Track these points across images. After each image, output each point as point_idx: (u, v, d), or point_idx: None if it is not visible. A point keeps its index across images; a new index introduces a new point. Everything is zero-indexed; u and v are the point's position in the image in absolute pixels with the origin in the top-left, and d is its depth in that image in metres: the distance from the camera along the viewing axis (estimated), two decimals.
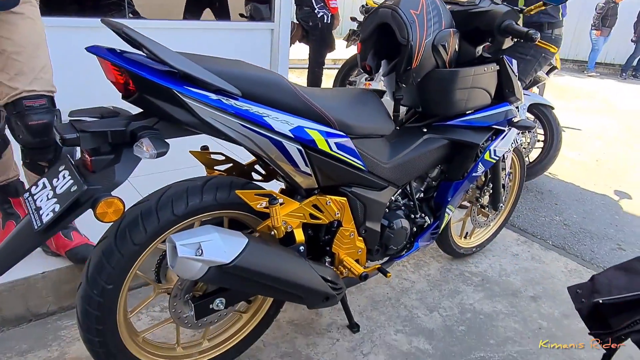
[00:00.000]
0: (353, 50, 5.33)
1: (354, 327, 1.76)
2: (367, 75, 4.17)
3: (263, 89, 1.16)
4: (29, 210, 1.03)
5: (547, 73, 3.22)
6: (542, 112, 3.23)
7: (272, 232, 1.25)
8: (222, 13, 4.43)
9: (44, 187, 1.06)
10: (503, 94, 1.74)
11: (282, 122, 1.17)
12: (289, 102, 1.20)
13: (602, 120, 5.70)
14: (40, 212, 1.00)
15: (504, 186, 2.10)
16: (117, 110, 1.12)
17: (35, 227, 0.97)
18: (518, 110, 1.89)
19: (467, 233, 2.30)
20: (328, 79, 5.03)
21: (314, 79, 4.70)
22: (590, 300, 0.81)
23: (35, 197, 1.05)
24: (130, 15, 3.57)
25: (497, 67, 1.67)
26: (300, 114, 1.23)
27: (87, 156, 1.03)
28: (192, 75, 1.02)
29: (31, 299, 1.63)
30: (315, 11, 4.40)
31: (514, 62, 1.75)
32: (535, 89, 3.60)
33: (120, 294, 1.17)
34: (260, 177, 1.55)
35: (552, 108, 3.23)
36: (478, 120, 1.69)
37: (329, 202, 1.36)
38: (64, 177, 1.04)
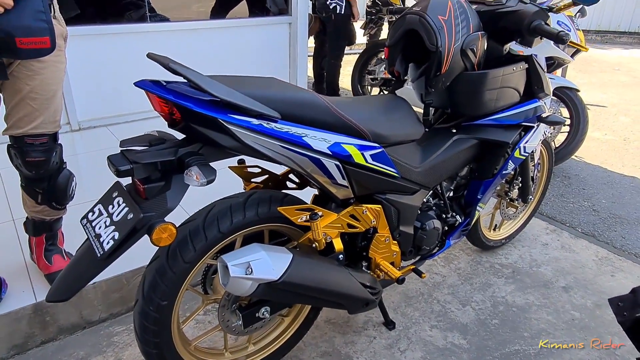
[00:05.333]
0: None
1: (389, 324, 1.81)
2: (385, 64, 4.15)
3: (300, 109, 1.19)
4: (90, 237, 1.09)
5: (572, 55, 3.15)
6: (567, 95, 3.18)
7: (314, 245, 1.30)
8: (256, 5, 4.33)
9: (100, 213, 1.12)
10: (532, 90, 1.74)
11: (320, 140, 1.21)
12: (324, 119, 1.24)
13: (627, 95, 5.56)
14: (101, 239, 1.06)
15: (532, 179, 2.11)
16: (162, 135, 1.18)
17: (99, 255, 1.04)
18: (546, 104, 1.88)
19: (496, 225, 2.32)
20: (346, 65, 5.01)
21: (332, 71, 4.67)
22: (633, 314, 0.84)
23: (93, 224, 1.11)
24: (148, 13, 3.61)
25: (526, 66, 1.67)
26: (336, 129, 1.26)
27: (139, 184, 1.08)
28: (234, 103, 1.06)
29: (84, 308, 1.73)
30: (328, 2, 4.35)
31: (542, 58, 1.74)
32: (558, 71, 3.54)
33: (174, 309, 1.24)
34: (294, 185, 1.60)
35: (578, 91, 3.18)
36: (507, 118, 1.70)
37: (365, 211, 1.40)
38: (119, 204, 1.10)
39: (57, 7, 1.43)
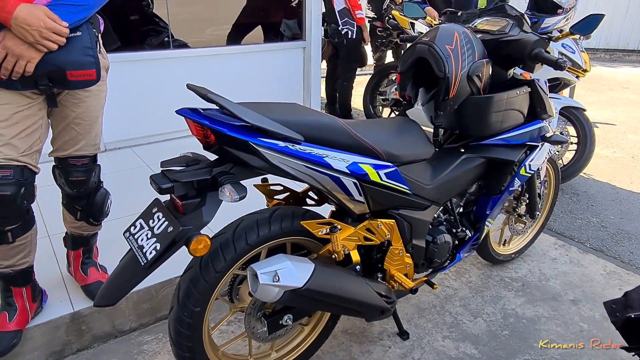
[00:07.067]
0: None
1: (403, 334, 1.90)
2: (396, 86, 4.30)
3: (321, 132, 1.32)
4: (133, 248, 1.22)
5: (578, 76, 3.27)
6: (573, 115, 3.28)
7: (333, 256, 1.41)
8: (271, 30, 4.50)
9: (142, 227, 1.25)
10: (535, 112, 1.85)
11: (339, 161, 1.33)
12: (343, 141, 1.36)
13: (636, 113, 5.63)
14: (144, 250, 1.19)
15: (539, 195, 2.20)
16: (197, 157, 1.31)
17: (142, 264, 1.16)
18: (550, 124, 1.99)
19: (505, 240, 2.41)
20: (357, 86, 5.17)
21: (344, 93, 4.83)
22: (624, 315, 0.93)
23: (136, 237, 1.24)
24: (166, 39, 3.80)
25: (529, 89, 1.78)
26: (353, 150, 1.39)
27: (178, 200, 1.21)
28: (263, 127, 1.19)
29: (116, 318, 1.85)
30: (340, 28, 4.52)
31: (544, 81, 1.86)
32: (565, 91, 3.65)
33: (205, 315, 1.35)
34: (313, 202, 1.72)
35: (584, 110, 3.28)
36: (513, 138, 1.81)
37: (380, 226, 1.51)
38: (159, 219, 1.23)
39: (101, 42, 1.58)
